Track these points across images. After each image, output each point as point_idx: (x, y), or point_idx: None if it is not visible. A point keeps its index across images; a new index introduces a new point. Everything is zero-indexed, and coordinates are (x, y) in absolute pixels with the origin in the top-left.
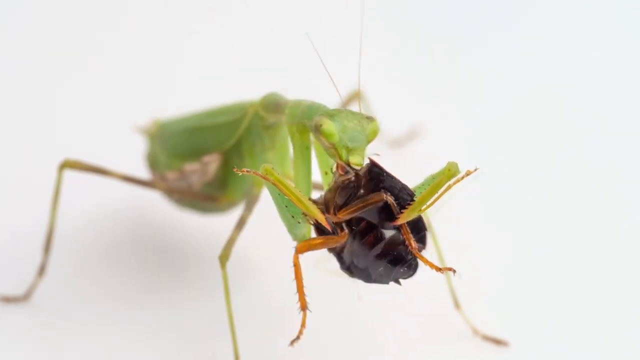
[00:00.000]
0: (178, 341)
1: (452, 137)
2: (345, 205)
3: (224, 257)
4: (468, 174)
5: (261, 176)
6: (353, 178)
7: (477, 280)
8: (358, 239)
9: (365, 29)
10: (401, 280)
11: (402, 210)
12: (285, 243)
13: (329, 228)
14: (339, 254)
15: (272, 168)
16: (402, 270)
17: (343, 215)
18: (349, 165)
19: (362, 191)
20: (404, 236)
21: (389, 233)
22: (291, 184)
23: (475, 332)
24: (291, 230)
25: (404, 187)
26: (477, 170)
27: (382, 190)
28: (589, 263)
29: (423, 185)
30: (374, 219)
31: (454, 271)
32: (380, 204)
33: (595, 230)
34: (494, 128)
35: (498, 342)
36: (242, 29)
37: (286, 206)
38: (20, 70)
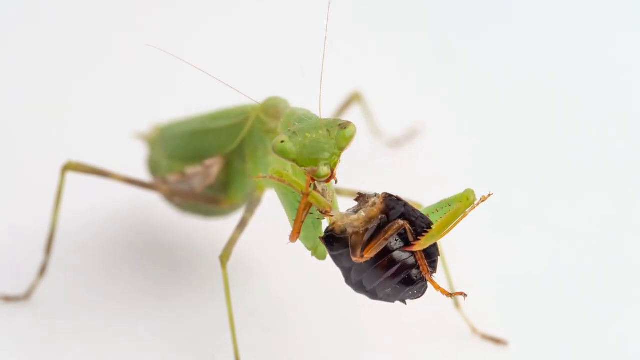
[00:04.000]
0: (178, 341)
1: (452, 137)
2: (369, 242)
3: (224, 257)
4: (483, 200)
5: (276, 179)
6: (378, 221)
7: (477, 279)
8: (370, 261)
9: (365, 28)
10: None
11: (418, 238)
12: (285, 243)
13: (328, 214)
14: (347, 270)
15: (283, 170)
16: (410, 292)
17: (368, 254)
18: (313, 178)
19: (381, 222)
20: (418, 262)
21: (401, 256)
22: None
23: (474, 331)
24: (306, 238)
25: (421, 216)
26: (491, 195)
27: (400, 217)
28: (589, 262)
29: (438, 210)
30: (389, 244)
31: (465, 295)
32: (400, 229)
33: (596, 229)
34: (494, 127)
35: (497, 341)
36: (243, 31)
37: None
38: (23, 72)
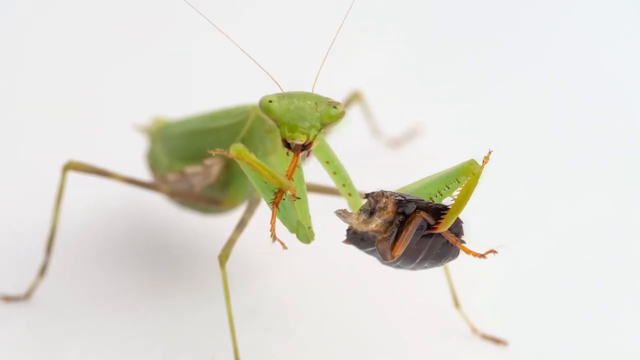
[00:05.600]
0: (178, 341)
1: (452, 137)
2: (396, 241)
3: (223, 257)
4: (486, 161)
5: (235, 157)
6: (397, 224)
7: (477, 278)
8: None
9: (365, 28)
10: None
11: (438, 221)
12: (284, 242)
13: (294, 195)
14: (383, 251)
15: (243, 147)
16: (446, 260)
17: (397, 253)
18: (288, 144)
19: (398, 221)
20: (445, 236)
21: (429, 238)
22: (264, 164)
23: (474, 330)
24: (283, 220)
25: (433, 203)
26: (491, 153)
27: (416, 210)
28: (590, 262)
29: (448, 187)
30: (415, 234)
31: (495, 252)
32: (419, 222)
33: (596, 229)
34: (495, 128)
35: (497, 341)
36: (245, 30)
37: (265, 182)
38: (24, 72)
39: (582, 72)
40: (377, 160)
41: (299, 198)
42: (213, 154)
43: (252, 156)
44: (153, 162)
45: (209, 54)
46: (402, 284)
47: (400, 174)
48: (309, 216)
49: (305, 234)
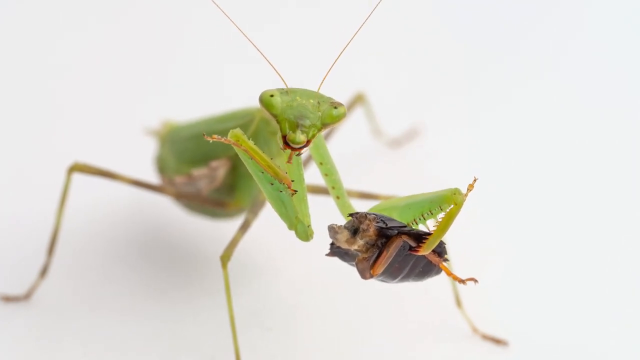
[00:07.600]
0: (178, 341)
1: (452, 137)
2: (376, 261)
3: (225, 257)
4: (471, 189)
5: (233, 143)
6: (378, 247)
7: (478, 278)
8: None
9: (366, 28)
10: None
11: (420, 244)
12: (286, 243)
13: (291, 190)
14: (362, 270)
15: (241, 133)
16: (429, 277)
17: (377, 272)
18: (287, 143)
19: (380, 243)
20: (427, 257)
21: (411, 258)
22: (262, 153)
23: (474, 331)
24: (281, 216)
25: (414, 229)
26: (476, 181)
27: (397, 234)
28: (591, 262)
29: (432, 212)
30: (397, 255)
31: (476, 281)
32: (400, 244)
33: (597, 229)
34: (495, 127)
35: (497, 341)
36: (250, 30)
37: (262, 172)
38: (28, 72)
39: (581, 73)
40: (377, 160)
41: (295, 191)
42: (210, 140)
43: (250, 143)
44: (161, 165)
45: (217, 56)
46: (403, 284)
47: (400, 174)
48: (309, 215)
49: (304, 231)
